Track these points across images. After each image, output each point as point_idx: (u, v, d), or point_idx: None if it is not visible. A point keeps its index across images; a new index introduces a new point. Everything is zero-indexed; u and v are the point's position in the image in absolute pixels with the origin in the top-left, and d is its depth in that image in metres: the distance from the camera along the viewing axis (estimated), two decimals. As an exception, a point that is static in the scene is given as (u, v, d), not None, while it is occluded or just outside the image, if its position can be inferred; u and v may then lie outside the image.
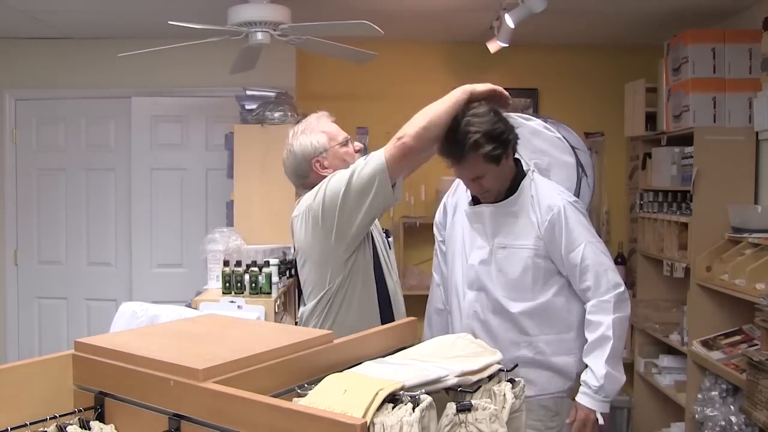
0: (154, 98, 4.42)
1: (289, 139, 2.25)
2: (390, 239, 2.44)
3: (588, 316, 2.20)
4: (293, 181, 2.28)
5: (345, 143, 2.25)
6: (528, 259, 2.21)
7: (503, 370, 1.48)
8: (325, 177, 2.16)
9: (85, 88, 4.50)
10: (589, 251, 2.19)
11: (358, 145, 2.30)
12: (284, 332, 1.58)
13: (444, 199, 2.55)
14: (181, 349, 1.37)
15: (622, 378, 2.19)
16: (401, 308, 2.32)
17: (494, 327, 2.24)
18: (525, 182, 2.26)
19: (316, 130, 2.23)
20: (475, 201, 2.34)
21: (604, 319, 2.16)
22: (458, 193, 2.48)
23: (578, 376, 2.23)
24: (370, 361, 1.43)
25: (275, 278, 2.94)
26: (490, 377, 1.44)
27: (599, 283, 2.18)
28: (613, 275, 2.20)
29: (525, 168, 2.30)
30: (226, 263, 3.11)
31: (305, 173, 2.23)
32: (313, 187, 2.17)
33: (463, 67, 4.64)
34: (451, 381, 1.32)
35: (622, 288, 2.21)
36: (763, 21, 3.27)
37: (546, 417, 2.25)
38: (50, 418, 1.25)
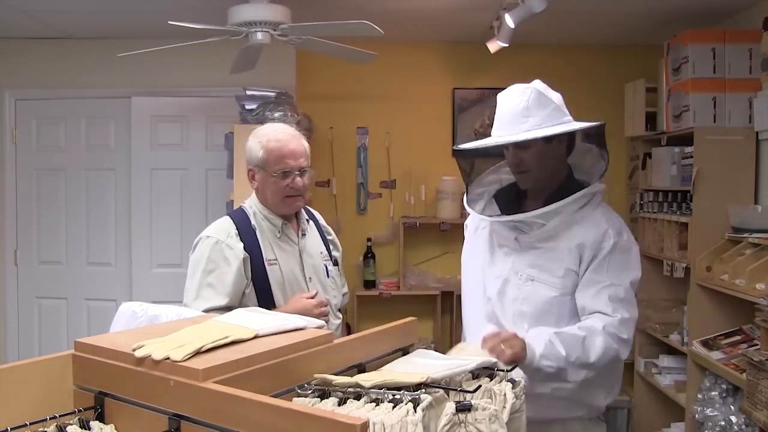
0: (154, 98, 4.42)
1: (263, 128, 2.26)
2: (337, 254, 2.41)
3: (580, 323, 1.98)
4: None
5: (283, 176, 2.17)
6: (554, 298, 2.00)
7: (503, 370, 1.48)
8: (252, 189, 2.22)
9: (85, 88, 4.49)
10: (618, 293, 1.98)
11: (299, 181, 2.18)
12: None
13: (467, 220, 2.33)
14: (181, 349, 1.37)
15: (561, 355, 1.86)
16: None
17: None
18: (572, 206, 1.99)
19: (262, 143, 2.19)
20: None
21: (597, 325, 1.93)
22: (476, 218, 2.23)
23: (606, 408, 2.08)
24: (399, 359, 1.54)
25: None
26: (491, 377, 1.45)
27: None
28: (630, 327, 2.00)
29: (590, 190, 2.02)
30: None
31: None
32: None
33: (463, 67, 4.64)
34: (473, 365, 1.43)
35: (627, 339, 2.00)
36: (763, 21, 3.27)
37: None
38: (50, 418, 1.25)
